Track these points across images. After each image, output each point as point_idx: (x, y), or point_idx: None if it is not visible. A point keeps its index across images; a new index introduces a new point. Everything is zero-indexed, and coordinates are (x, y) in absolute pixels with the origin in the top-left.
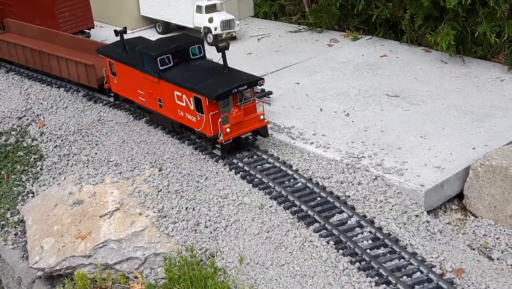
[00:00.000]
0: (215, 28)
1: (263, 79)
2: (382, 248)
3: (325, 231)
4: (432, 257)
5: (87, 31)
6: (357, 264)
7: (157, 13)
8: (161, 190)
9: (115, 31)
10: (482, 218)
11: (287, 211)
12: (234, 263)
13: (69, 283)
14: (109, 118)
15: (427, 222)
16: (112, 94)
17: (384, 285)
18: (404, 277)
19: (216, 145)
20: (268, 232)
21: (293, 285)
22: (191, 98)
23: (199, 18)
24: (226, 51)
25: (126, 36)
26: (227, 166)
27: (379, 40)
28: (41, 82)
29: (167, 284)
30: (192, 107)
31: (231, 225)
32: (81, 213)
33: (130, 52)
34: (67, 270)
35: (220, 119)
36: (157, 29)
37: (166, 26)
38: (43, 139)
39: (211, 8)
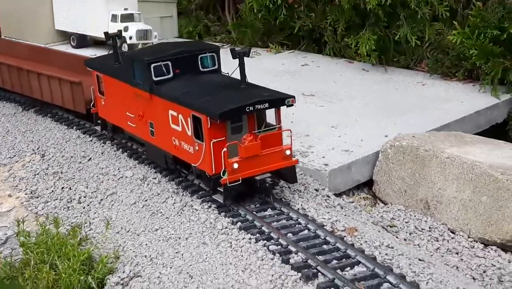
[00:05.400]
0: (130, 37)
1: (294, 97)
2: (269, 210)
3: (209, 197)
4: (324, 218)
5: None
6: (239, 224)
7: (72, 26)
8: (38, 174)
9: (105, 33)
10: (392, 204)
11: (171, 182)
12: (102, 233)
13: None
14: None
15: (327, 196)
16: (99, 121)
17: (265, 241)
18: (289, 234)
19: (218, 188)
20: (146, 200)
21: (164, 247)
22: (188, 119)
23: (113, 28)
24: (245, 57)
25: None
26: (115, 146)
27: (301, 53)
28: None
29: (23, 253)
30: (189, 133)
31: (106, 198)
32: None
33: (124, 63)
34: None
35: (225, 149)
36: (72, 43)
37: (81, 39)
38: None
39: (127, 18)
